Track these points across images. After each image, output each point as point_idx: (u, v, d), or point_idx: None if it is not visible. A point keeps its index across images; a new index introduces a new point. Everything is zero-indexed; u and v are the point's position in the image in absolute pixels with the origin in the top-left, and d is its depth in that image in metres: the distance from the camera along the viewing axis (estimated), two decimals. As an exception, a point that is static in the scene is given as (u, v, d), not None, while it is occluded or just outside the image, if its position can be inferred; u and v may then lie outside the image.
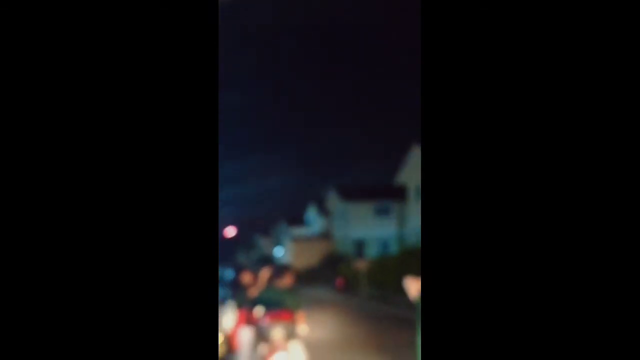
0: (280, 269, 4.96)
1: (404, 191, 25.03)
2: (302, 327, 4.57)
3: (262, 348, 4.59)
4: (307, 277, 23.43)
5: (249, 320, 5.29)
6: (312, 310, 7.70)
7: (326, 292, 19.40)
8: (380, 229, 26.03)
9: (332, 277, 21.99)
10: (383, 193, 26.55)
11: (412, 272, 3.90)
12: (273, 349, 4.41)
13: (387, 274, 15.80)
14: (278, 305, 4.59)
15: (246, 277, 5.96)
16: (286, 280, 4.71)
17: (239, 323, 5.72)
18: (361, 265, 18.19)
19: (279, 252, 33.31)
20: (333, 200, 29.85)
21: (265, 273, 5.36)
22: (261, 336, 4.65)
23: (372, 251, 25.17)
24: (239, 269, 7.07)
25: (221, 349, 6.49)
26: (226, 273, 16.53)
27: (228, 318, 6.40)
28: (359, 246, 26.43)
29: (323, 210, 31.79)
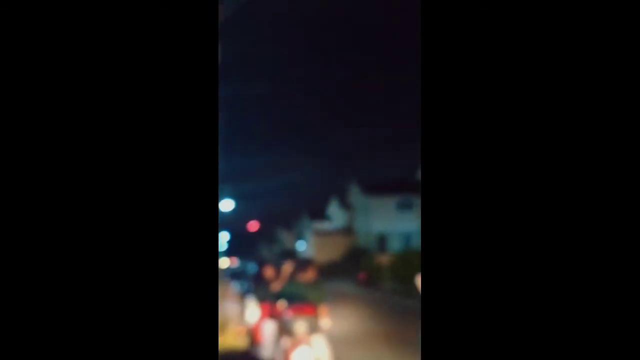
0: (302, 263, 4.97)
1: (426, 185, 24.78)
2: (325, 321, 4.57)
3: (285, 341, 4.61)
4: (329, 271, 23.47)
5: (272, 314, 5.32)
6: (335, 304, 7.70)
7: (348, 286, 19.40)
8: (402, 223, 25.91)
9: (354, 271, 21.99)
10: (405, 187, 26.41)
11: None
12: (296, 343, 4.43)
13: (409, 268, 15.73)
14: (301, 299, 4.60)
15: (269, 271, 5.99)
16: (309, 274, 4.72)
17: (262, 316, 5.76)
18: (384, 259, 18.14)
19: (301, 246, 33.44)
20: (355, 195, 29.82)
21: (288, 267, 5.38)
22: (284, 329, 4.67)
23: (394, 245, 25.10)
24: (261, 263, 7.12)
25: (244, 342, 6.55)
26: (249, 267, 16.68)
27: (251, 311, 6.45)
28: (381, 240, 26.37)
29: (345, 205, 31.78)
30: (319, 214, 34.76)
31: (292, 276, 4.97)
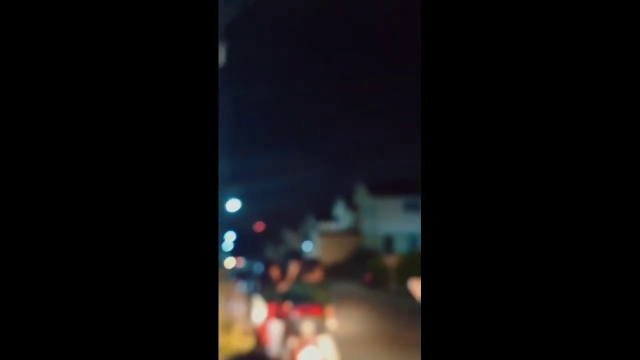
0: (309, 264, 4.96)
1: (433, 186, 24.73)
2: (332, 322, 4.56)
3: (292, 342, 4.60)
4: (335, 272, 23.46)
5: (279, 314, 5.31)
6: (341, 305, 7.69)
7: (355, 287, 19.39)
8: (409, 224, 25.85)
9: (360, 272, 21.98)
10: (412, 188, 26.35)
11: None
12: (303, 343, 4.42)
13: (416, 270, 15.70)
14: (307, 299, 4.59)
15: (275, 272, 5.99)
16: (315, 275, 4.71)
17: (268, 316, 5.75)
18: (390, 260, 18.11)
19: (307, 246, 33.46)
20: (361, 195, 29.81)
21: (294, 267, 5.37)
22: (291, 330, 4.66)
23: (401, 246, 25.06)
24: (267, 263, 7.13)
25: (251, 342, 6.55)
26: (256, 267, 16.70)
27: (258, 311, 6.46)
28: (388, 241, 26.34)
29: (351, 205, 31.77)
30: (325, 214, 34.77)
31: (299, 277, 4.96)
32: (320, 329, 4.47)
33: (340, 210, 33.86)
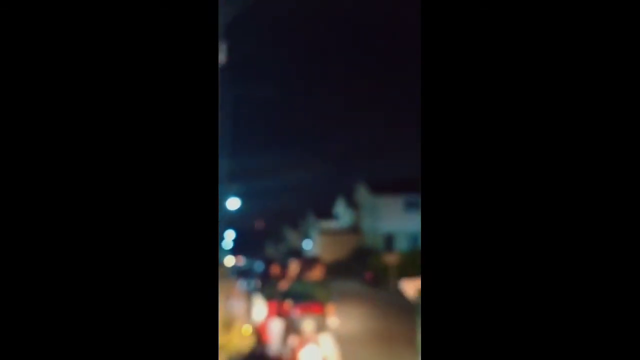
0: (309, 262, 4.96)
1: (433, 184, 24.70)
2: (332, 320, 4.56)
3: (292, 340, 4.60)
4: (336, 270, 23.45)
5: (279, 312, 5.32)
6: (342, 303, 7.69)
7: (355, 285, 19.39)
8: (409, 222, 25.82)
9: (361, 270, 21.96)
10: (413, 186, 26.31)
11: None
12: (303, 341, 4.42)
13: (416, 268, 15.68)
14: (308, 297, 4.59)
15: (275, 270, 5.99)
16: (316, 273, 4.71)
17: (269, 315, 5.76)
18: (391, 258, 18.11)
19: (307, 245, 33.44)
20: (362, 194, 29.78)
21: (294, 266, 5.37)
22: (291, 328, 4.66)
23: (401, 245, 25.04)
24: (268, 261, 7.12)
25: (251, 341, 6.55)
26: (256, 265, 16.68)
27: (258, 310, 6.46)
28: (389, 240, 26.32)
29: (352, 204, 31.74)
30: (326, 213, 34.73)
31: (299, 275, 4.96)
32: (321, 327, 4.47)
33: (340, 208, 33.84)
